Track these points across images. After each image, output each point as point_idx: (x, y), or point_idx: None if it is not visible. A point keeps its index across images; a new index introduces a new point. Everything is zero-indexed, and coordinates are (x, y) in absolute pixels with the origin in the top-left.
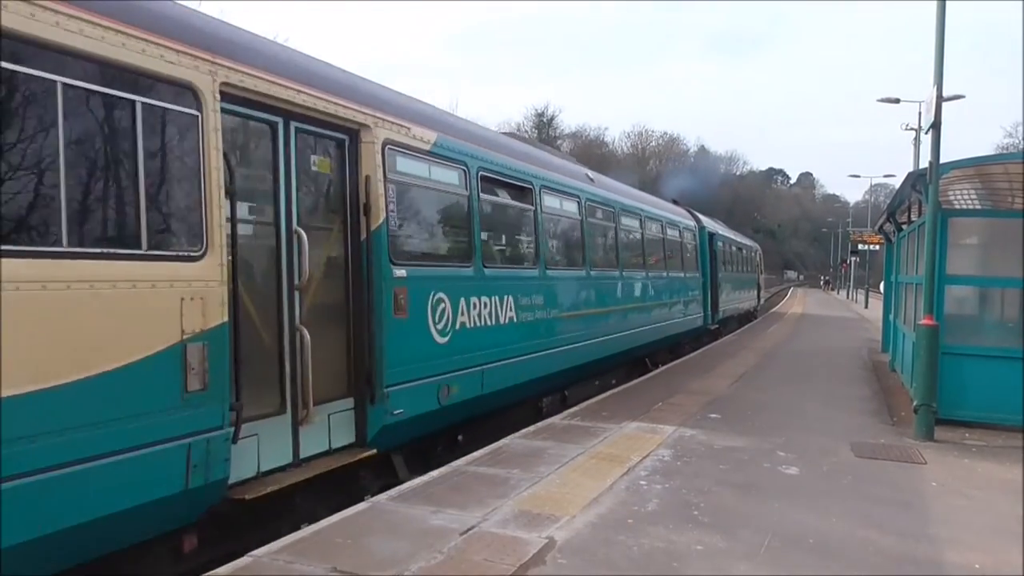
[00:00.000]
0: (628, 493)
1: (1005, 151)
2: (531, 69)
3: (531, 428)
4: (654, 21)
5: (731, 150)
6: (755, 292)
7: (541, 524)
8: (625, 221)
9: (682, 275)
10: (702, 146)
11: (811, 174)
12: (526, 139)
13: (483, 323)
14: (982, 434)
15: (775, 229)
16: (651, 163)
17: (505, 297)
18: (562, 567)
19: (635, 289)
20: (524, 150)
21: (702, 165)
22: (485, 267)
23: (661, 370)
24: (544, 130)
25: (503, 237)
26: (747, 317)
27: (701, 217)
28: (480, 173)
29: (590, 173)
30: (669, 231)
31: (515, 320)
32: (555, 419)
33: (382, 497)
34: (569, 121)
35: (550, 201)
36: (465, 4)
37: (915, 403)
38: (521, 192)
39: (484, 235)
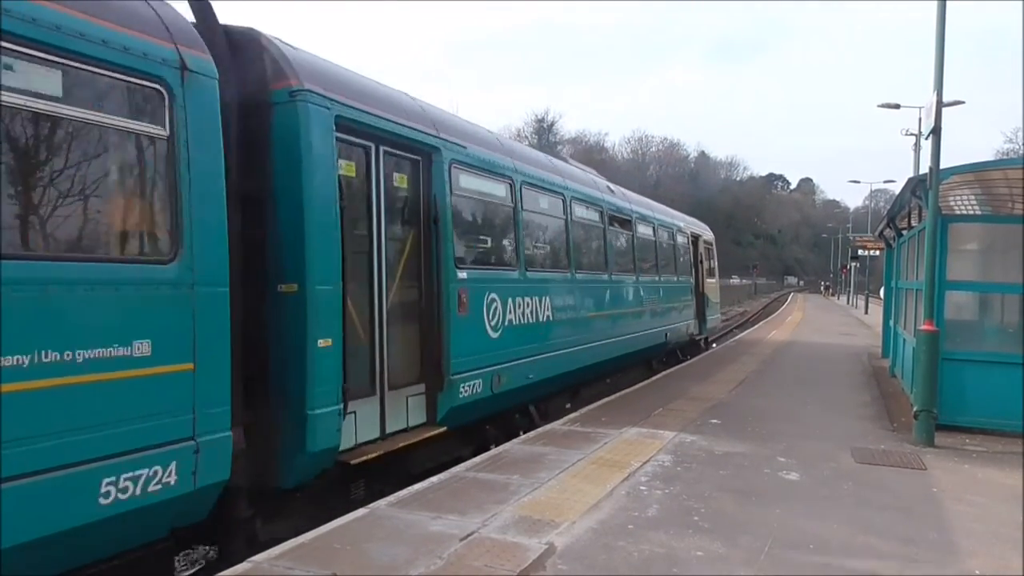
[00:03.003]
0: (628, 499)
1: (1005, 156)
2: (532, 74)
3: (531, 433)
4: (655, 27)
5: (731, 155)
6: (688, 307)
7: (541, 530)
8: None
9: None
10: (702, 151)
11: (811, 179)
12: None
13: None
14: (982, 440)
15: (775, 235)
16: (651, 168)
17: None
18: (562, 572)
19: None
20: None
21: (702, 170)
22: None
23: (662, 375)
24: (544, 135)
25: None
26: (673, 355)
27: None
28: None
29: None
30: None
31: None
32: (555, 424)
33: (381, 503)
34: (569, 127)
35: None
36: (467, 9)
37: (915, 409)
38: None
39: None
